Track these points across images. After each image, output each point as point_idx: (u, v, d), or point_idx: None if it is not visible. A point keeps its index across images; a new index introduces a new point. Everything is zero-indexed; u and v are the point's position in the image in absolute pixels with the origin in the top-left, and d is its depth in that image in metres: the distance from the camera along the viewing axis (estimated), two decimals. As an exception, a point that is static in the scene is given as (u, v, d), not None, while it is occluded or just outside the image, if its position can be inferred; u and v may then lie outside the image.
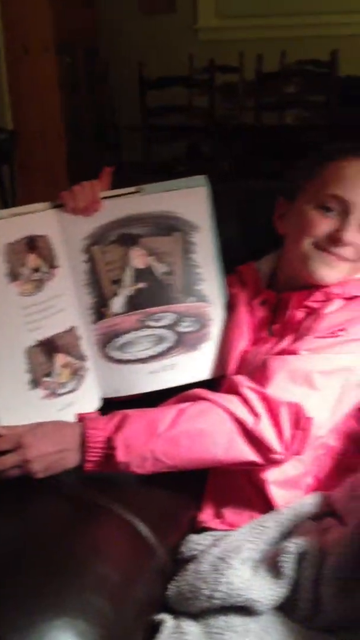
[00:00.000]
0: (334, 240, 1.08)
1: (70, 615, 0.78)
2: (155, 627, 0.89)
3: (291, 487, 1.05)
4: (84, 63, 4.44)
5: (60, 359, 1.08)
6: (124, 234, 1.12)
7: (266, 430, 0.97)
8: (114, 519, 0.96)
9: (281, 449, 0.97)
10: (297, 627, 0.88)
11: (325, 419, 1.01)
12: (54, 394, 1.07)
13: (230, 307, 1.19)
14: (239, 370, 1.11)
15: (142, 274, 1.14)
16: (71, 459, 0.97)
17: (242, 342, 1.15)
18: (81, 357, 1.12)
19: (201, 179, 1.15)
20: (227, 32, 4.91)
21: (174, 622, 0.89)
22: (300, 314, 1.12)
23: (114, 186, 1.16)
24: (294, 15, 4.74)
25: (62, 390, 1.08)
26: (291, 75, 3.81)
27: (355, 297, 1.12)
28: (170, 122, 3.89)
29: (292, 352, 1.05)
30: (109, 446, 0.96)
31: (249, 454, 0.98)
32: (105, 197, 1.11)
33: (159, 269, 1.14)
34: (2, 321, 1.02)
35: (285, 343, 1.09)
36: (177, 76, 3.88)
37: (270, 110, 3.77)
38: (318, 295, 1.13)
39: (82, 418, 1.03)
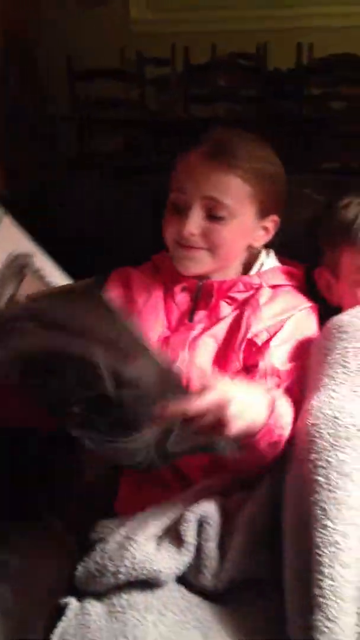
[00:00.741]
0: (180, 236, 1.14)
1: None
2: (61, 611, 0.91)
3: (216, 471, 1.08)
4: (17, 54, 4.38)
5: None
6: None
7: None
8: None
9: None
10: (197, 601, 0.92)
11: None
12: None
13: (146, 293, 1.22)
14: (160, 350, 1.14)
15: None
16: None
17: (158, 327, 1.18)
18: None
19: None
20: (159, 25, 4.92)
21: (78, 604, 0.91)
22: (226, 307, 1.19)
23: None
24: (225, 8, 4.79)
25: None
26: (220, 67, 3.85)
27: (277, 285, 1.21)
28: (104, 116, 3.87)
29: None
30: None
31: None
32: None
33: None
34: None
35: (205, 330, 1.16)
36: (109, 68, 3.86)
37: (202, 103, 3.80)
38: (239, 286, 1.19)
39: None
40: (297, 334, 1.15)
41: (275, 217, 1.21)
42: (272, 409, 0.92)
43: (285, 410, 0.97)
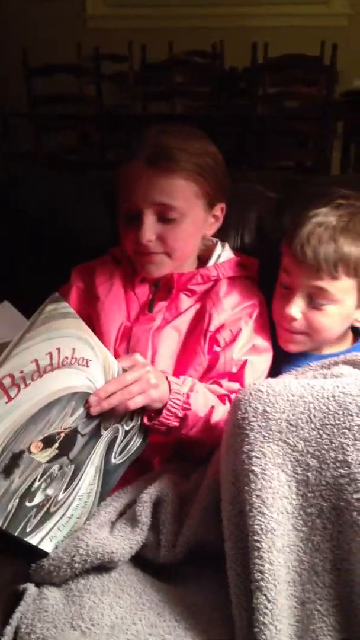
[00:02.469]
0: (138, 245, 1.16)
1: None
2: (19, 596, 0.93)
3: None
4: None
5: None
6: None
7: None
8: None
9: None
10: (152, 582, 0.95)
11: None
12: None
13: (108, 285, 1.25)
14: (122, 344, 1.19)
15: None
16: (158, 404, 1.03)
17: (120, 317, 1.22)
18: None
19: None
20: (115, 21, 4.93)
21: (36, 589, 0.93)
22: (185, 299, 1.23)
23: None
24: (182, 6, 4.82)
25: None
26: (176, 65, 3.87)
27: (233, 277, 1.26)
28: (61, 111, 3.85)
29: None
30: (185, 403, 1.05)
31: None
32: None
33: None
34: None
35: (167, 322, 1.21)
36: (65, 64, 3.84)
37: (159, 100, 3.81)
38: (198, 278, 1.24)
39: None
40: (252, 339, 1.21)
41: (222, 205, 1.24)
42: (191, 389, 1.07)
43: (202, 395, 1.08)
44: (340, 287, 1.14)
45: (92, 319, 1.22)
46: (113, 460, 1.02)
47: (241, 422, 0.92)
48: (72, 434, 0.93)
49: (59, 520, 0.96)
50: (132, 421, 1.04)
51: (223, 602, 0.89)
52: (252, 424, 0.91)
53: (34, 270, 1.47)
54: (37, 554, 0.95)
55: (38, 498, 0.91)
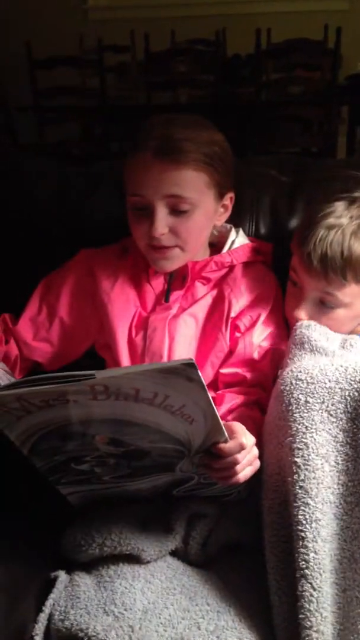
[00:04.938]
0: (150, 238, 1.15)
1: None
2: (51, 584, 0.94)
3: None
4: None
5: None
6: None
7: None
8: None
9: None
10: (182, 568, 0.96)
11: None
12: None
13: (112, 278, 1.25)
14: (138, 331, 1.19)
15: None
16: None
17: (129, 310, 1.22)
18: None
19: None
20: (117, 11, 4.90)
21: (67, 576, 0.94)
22: (201, 287, 1.23)
23: None
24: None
25: None
26: (180, 54, 3.85)
27: (249, 262, 1.25)
28: (63, 103, 3.84)
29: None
30: None
31: None
32: None
33: None
34: None
35: (183, 310, 1.20)
36: (68, 56, 3.83)
37: (162, 89, 3.80)
38: (212, 265, 1.23)
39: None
40: (271, 324, 1.20)
41: (231, 194, 1.23)
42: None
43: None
44: (350, 292, 1.12)
45: (100, 312, 1.23)
46: (173, 492, 1.00)
47: (284, 414, 0.94)
48: (144, 453, 0.89)
49: (95, 490, 0.96)
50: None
51: (256, 585, 0.90)
52: (294, 415, 0.93)
53: (43, 261, 1.46)
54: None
55: (84, 467, 0.90)
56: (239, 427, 0.90)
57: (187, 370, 0.75)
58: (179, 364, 0.74)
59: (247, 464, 0.89)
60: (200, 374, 0.76)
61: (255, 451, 0.92)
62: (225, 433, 0.86)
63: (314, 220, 1.12)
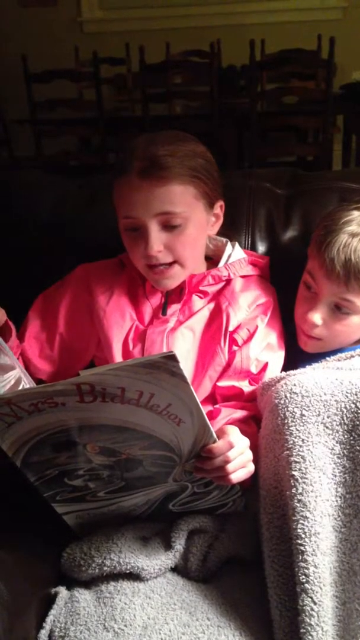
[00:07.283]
0: (147, 258, 1.15)
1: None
2: (52, 600, 0.94)
3: None
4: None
5: None
6: None
7: None
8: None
9: None
10: (182, 583, 0.96)
11: None
12: None
13: (108, 292, 1.25)
14: (136, 344, 1.19)
15: None
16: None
17: (124, 325, 1.22)
18: None
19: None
20: (111, 24, 4.94)
21: (67, 592, 0.94)
22: (198, 301, 1.23)
23: None
24: (177, 6, 4.82)
25: None
26: (175, 65, 3.87)
27: (246, 276, 1.26)
28: (60, 116, 3.86)
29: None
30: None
31: None
32: None
33: None
34: None
35: (180, 323, 1.20)
36: (64, 69, 3.85)
37: (159, 101, 3.82)
38: (209, 279, 1.24)
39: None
40: (268, 337, 1.21)
41: (221, 202, 1.24)
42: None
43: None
44: None
45: (97, 327, 1.23)
46: (170, 507, 1.00)
47: (280, 427, 0.94)
48: (136, 463, 0.90)
49: (91, 509, 0.96)
50: (210, 488, 0.97)
51: (256, 599, 0.90)
52: (290, 428, 0.93)
53: (41, 276, 1.46)
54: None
55: (77, 482, 0.91)
56: (230, 428, 0.92)
57: (168, 364, 0.76)
58: (160, 357, 0.76)
59: (239, 464, 0.90)
60: (181, 367, 0.77)
61: (249, 454, 0.92)
62: (214, 434, 0.88)
63: (335, 227, 1.14)
